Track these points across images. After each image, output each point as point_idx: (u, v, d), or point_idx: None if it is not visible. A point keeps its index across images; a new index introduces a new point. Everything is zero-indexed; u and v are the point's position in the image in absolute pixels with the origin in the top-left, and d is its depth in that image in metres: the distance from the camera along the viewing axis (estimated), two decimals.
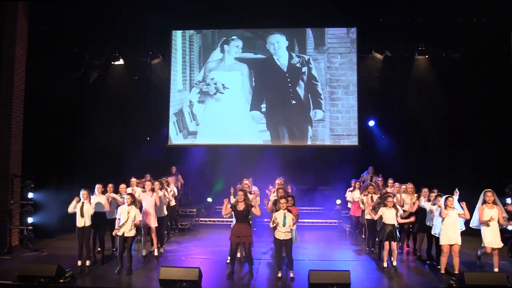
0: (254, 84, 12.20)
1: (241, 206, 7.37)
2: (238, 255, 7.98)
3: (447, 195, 7.21)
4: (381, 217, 7.81)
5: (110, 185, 8.63)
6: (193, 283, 6.41)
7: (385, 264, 7.66)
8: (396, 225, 7.66)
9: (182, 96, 12.45)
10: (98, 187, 8.16)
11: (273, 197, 9.13)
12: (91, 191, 7.85)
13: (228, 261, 7.87)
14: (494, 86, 10.53)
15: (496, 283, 6.34)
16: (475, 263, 7.86)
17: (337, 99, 12.00)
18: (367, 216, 8.88)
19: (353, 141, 11.81)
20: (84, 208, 7.57)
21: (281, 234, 7.19)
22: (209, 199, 13.14)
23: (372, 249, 9.05)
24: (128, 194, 7.81)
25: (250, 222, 7.90)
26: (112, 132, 12.11)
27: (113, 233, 7.69)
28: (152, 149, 12.51)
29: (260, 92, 12.16)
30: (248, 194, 8.57)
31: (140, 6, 10.49)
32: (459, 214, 7.12)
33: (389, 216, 7.63)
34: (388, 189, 9.33)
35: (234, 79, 12.27)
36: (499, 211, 7.20)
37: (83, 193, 7.62)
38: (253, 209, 7.41)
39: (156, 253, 8.36)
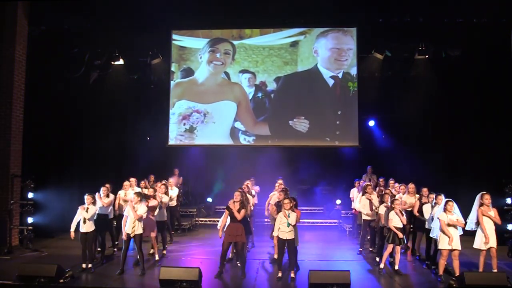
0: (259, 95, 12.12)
1: (236, 207, 7.38)
2: (230, 255, 7.99)
3: (447, 199, 7.08)
4: (382, 218, 7.80)
5: (107, 185, 8.63)
6: (193, 283, 6.42)
7: (381, 266, 7.62)
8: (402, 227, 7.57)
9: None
10: (103, 190, 8.25)
11: (273, 196, 9.12)
12: (93, 196, 7.82)
13: (231, 257, 8.00)
14: (494, 86, 10.51)
15: (496, 283, 6.35)
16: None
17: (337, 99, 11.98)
18: (364, 217, 8.90)
19: (353, 141, 11.78)
20: (88, 213, 7.54)
21: (285, 234, 7.17)
22: (209, 199, 13.15)
23: (361, 249, 9.02)
24: (135, 193, 7.79)
25: (248, 220, 7.92)
26: (112, 132, 12.11)
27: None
28: (152, 149, 12.52)
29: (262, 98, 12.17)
30: (249, 196, 8.57)
31: (140, 6, 10.48)
32: (456, 221, 6.92)
33: (397, 219, 7.54)
34: (392, 190, 9.33)
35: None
36: (495, 212, 7.17)
37: (87, 198, 7.60)
38: (236, 213, 7.34)
39: (157, 257, 8.34)
